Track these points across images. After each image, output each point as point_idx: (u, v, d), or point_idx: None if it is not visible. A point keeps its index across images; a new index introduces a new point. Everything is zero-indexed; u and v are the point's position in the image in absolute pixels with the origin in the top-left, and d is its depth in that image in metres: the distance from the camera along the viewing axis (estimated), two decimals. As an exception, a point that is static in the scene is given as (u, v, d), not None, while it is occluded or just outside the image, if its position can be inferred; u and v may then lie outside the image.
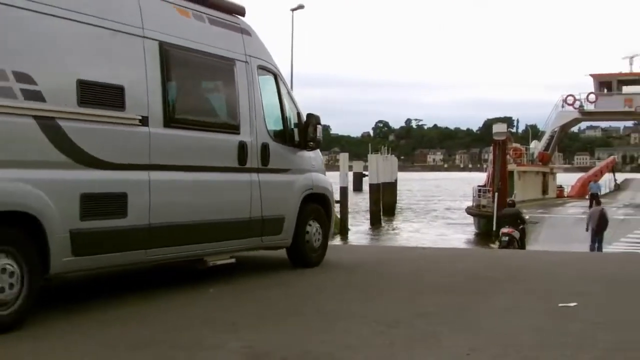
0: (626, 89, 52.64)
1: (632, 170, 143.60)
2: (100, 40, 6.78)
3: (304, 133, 9.32)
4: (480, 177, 49.22)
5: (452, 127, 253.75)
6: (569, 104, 50.61)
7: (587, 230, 25.04)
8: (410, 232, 41.23)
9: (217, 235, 8.03)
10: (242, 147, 8.33)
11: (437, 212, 56.05)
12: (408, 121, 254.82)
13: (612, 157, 78.26)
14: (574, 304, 7.34)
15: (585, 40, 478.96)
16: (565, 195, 51.61)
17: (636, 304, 7.67)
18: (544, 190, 48.60)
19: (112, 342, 5.64)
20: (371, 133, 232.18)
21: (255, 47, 8.91)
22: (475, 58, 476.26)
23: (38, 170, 6.07)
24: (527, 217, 26.21)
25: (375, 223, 43.55)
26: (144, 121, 7.07)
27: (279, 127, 9.10)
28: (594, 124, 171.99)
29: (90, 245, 6.50)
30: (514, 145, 46.14)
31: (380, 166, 50.18)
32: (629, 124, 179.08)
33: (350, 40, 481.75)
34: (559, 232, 29.15)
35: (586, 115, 52.28)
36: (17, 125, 5.91)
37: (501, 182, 34.01)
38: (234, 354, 5.33)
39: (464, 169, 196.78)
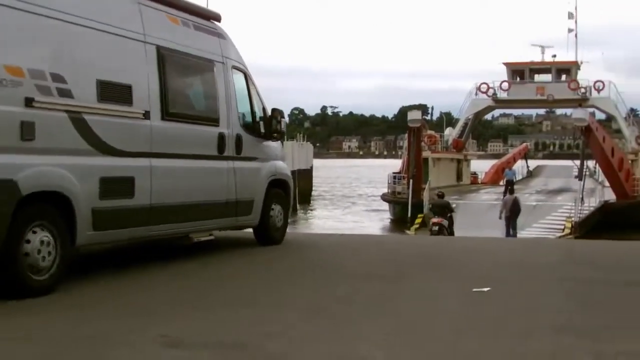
0: (538, 78, 55.35)
1: (544, 157, 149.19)
2: (114, 45, 8.33)
3: (269, 125, 11.07)
4: (395, 164, 50.45)
5: (367, 114, 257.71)
6: (482, 92, 52.92)
7: (500, 217, 27.60)
8: (326, 219, 42.70)
9: (203, 215, 9.73)
10: (222, 138, 10.02)
11: (353, 198, 57.69)
12: (324, 108, 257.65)
13: (524, 144, 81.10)
14: (488, 289, 7.79)
15: (498, 28, 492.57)
16: (479, 182, 53.94)
17: (548, 288, 8.10)
18: (458, 177, 50.70)
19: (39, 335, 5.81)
20: (287, 120, 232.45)
21: (229, 49, 10.64)
22: (390, 46, 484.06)
23: (69, 157, 7.59)
24: (454, 205, 28.51)
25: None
26: (147, 115, 8.68)
27: (249, 120, 10.82)
28: (507, 111, 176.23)
29: (107, 221, 8.08)
30: (429, 132, 47.50)
31: (296, 153, 51.78)
32: (541, 111, 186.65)
33: (264, 27, 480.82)
34: (472, 218, 30.80)
35: (499, 103, 54.85)
36: (54, 119, 7.43)
37: (416, 169, 35.79)
38: (151, 343, 5.49)
39: (379, 156, 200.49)
